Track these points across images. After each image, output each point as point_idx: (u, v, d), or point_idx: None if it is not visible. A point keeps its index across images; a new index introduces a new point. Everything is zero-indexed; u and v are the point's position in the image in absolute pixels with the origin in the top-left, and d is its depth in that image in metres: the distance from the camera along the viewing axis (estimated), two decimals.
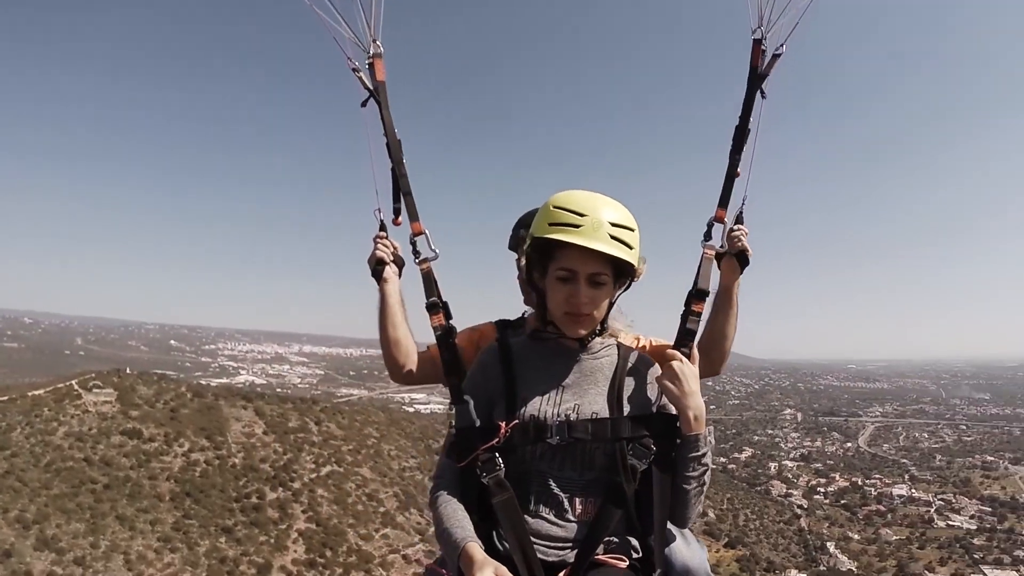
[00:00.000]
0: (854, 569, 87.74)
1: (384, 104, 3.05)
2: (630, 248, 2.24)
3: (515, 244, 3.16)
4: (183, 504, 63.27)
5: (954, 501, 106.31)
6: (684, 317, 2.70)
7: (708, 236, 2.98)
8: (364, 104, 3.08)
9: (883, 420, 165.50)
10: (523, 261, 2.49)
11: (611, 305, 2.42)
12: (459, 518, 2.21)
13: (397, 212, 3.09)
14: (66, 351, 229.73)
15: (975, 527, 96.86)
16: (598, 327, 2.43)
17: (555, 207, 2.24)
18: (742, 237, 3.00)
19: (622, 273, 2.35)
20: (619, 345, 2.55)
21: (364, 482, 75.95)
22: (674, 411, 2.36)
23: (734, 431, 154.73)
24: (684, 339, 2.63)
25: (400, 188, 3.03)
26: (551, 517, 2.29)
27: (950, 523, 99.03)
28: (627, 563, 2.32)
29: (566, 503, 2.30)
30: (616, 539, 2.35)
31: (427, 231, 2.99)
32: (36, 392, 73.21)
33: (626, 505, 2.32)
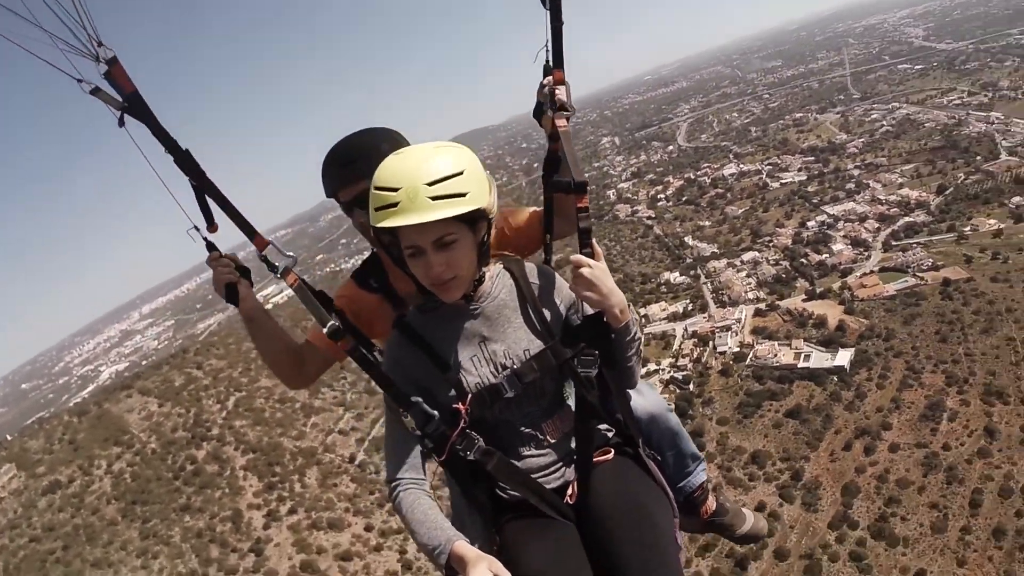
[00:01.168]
0: (716, 250, 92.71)
1: (150, 117, 2.43)
2: (462, 196, 2.09)
3: (330, 191, 2.94)
4: (136, 513, 62.30)
5: (779, 162, 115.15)
6: (574, 216, 2.48)
7: (554, 104, 2.62)
8: (121, 123, 2.41)
9: (693, 115, 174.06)
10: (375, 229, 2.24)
11: (481, 247, 2.28)
12: (432, 518, 2.20)
13: (210, 220, 2.65)
14: None
15: (805, 177, 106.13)
16: (476, 276, 2.35)
17: (375, 189, 2.12)
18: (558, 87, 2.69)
19: (474, 219, 2.19)
20: (509, 269, 2.50)
21: (269, 392, 76.22)
22: (596, 310, 2.35)
23: None
24: (583, 239, 2.42)
25: (218, 203, 2.59)
26: (533, 452, 2.44)
27: (783, 181, 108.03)
28: (612, 452, 2.54)
29: (539, 434, 2.45)
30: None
31: (272, 239, 2.61)
32: None
33: (595, 410, 2.49)
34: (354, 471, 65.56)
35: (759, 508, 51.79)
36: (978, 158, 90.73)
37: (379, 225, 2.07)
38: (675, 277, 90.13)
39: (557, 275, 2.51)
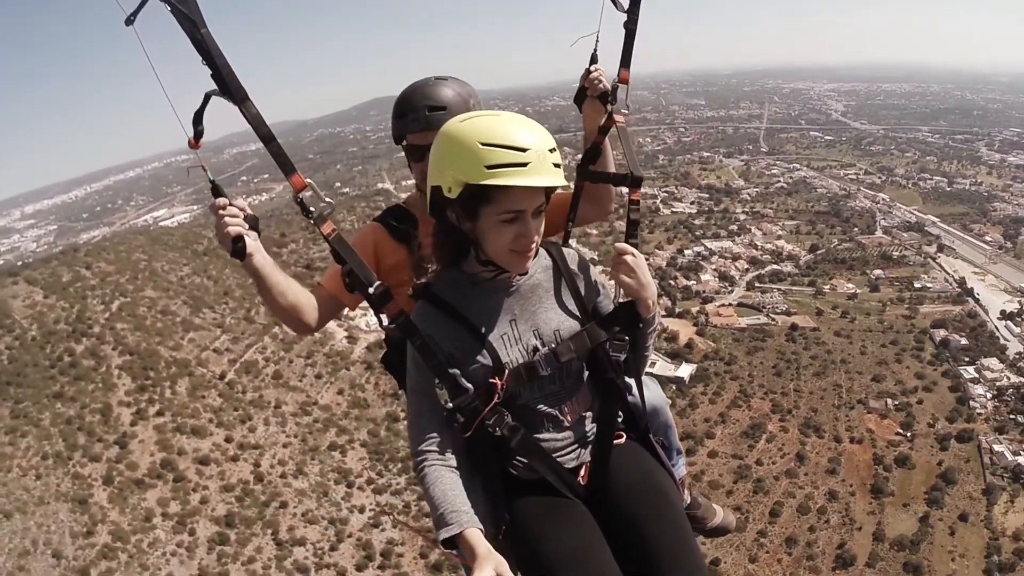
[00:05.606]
0: (595, 257, 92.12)
1: (198, 20, 1.98)
2: (561, 168, 2.09)
3: (409, 132, 2.80)
4: (8, 393, 61.57)
5: (676, 192, 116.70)
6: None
7: (615, 99, 2.82)
8: (130, 21, 1.93)
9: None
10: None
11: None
12: (451, 498, 2.07)
13: (199, 135, 2.15)
14: None
15: (695, 211, 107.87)
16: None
17: (496, 145, 1.96)
18: (601, 78, 2.90)
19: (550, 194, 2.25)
20: (548, 250, 2.48)
21: (152, 302, 75.52)
22: (629, 298, 2.37)
23: None
24: (631, 231, 2.54)
25: (263, 138, 2.18)
26: (551, 433, 2.37)
27: (674, 210, 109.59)
28: (624, 436, 2.55)
29: (558, 415, 2.38)
30: None
31: (311, 180, 2.26)
32: None
33: (621, 395, 2.47)
34: (223, 388, 66.74)
35: None
36: (855, 229, 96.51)
37: (503, 182, 1.93)
38: None
39: (589, 262, 2.49)
